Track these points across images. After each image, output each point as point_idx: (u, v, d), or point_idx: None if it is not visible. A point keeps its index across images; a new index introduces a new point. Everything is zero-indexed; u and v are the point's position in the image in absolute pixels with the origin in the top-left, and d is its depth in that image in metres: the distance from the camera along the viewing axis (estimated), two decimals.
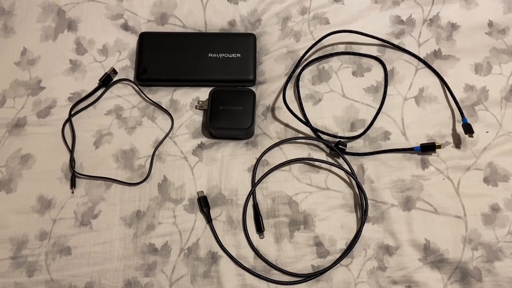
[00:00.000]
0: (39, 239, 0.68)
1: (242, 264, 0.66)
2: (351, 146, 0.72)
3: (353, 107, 0.74)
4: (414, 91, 0.74)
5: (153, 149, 0.72)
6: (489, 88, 0.74)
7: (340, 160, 0.71)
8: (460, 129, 0.72)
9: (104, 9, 0.81)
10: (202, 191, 0.70)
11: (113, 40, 0.79)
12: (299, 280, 0.65)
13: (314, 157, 0.71)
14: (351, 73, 0.76)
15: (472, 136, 0.70)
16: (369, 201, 0.68)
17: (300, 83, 0.76)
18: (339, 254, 0.66)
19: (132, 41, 0.79)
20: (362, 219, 0.67)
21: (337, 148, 0.70)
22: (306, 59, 0.77)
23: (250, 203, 0.69)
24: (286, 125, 0.74)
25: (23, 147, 0.72)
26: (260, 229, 0.67)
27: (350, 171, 0.69)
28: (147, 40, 0.77)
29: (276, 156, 0.72)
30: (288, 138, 0.72)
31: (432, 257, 0.65)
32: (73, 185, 0.70)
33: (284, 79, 0.76)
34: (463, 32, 0.78)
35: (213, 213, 0.69)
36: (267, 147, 0.72)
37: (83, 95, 0.75)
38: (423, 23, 0.79)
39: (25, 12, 0.81)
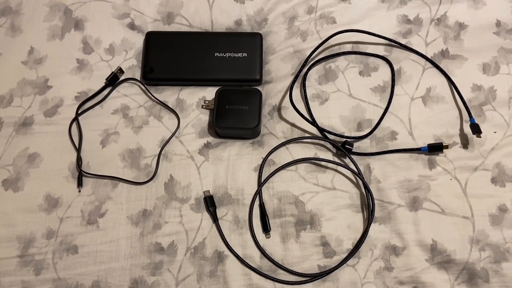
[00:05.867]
0: (46, 238, 0.68)
1: (248, 264, 0.66)
2: (358, 146, 0.72)
3: (360, 107, 0.74)
4: (422, 91, 0.74)
5: (160, 149, 0.72)
6: (497, 88, 0.74)
7: (347, 160, 0.71)
8: (467, 129, 0.71)
9: (111, 8, 0.81)
10: (209, 190, 0.70)
11: (119, 39, 0.79)
12: (305, 280, 0.65)
13: (320, 157, 0.71)
14: (358, 73, 0.76)
15: (480, 137, 0.69)
16: (375, 201, 0.68)
17: (307, 83, 0.75)
18: (346, 254, 0.66)
19: (138, 41, 0.79)
20: (369, 219, 0.67)
21: (343, 148, 0.70)
22: (312, 59, 0.77)
23: (257, 202, 0.69)
24: (293, 125, 0.74)
25: (30, 146, 0.73)
26: (266, 228, 0.67)
27: (356, 171, 0.69)
28: (154, 39, 0.77)
29: (283, 156, 0.72)
30: (295, 138, 0.72)
31: (439, 257, 0.65)
32: (80, 184, 0.70)
33: (291, 78, 0.76)
34: (470, 31, 0.77)
35: (219, 212, 0.69)
36: (274, 146, 0.72)
37: (90, 94, 0.76)
38: (431, 23, 0.78)
39: (32, 11, 0.81)
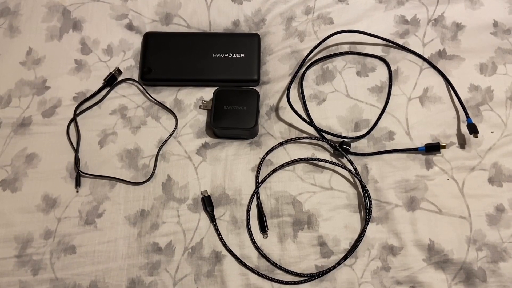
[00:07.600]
0: (44, 238, 0.68)
1: (245, 264, 0.66)
2: (355, 146, 0.72)
3: (357, 107, 0.74)
4: (419, 91, 0.74)
5: (157, 149, 0.72)
6: (494, 88, 0.74)
7: (344, 160, 0.71)
8: (464, 129, 0.71)
9: (109, 9, 0.81)
10: (206, 190, 0.70)
11: (117, 40, 0.79)
12: (302, 280, 0.65)
13: (318, 157, 0.71)
14: (355, 73, 0.76)
15: (477, 137, 0.69)
16: (373, 201, 0.68)
17: (304, 83, 0.76)
18: (343, 254, 0.66)
19: (136, 41, 0.79)
20: (366, 219, 0.67)
21: (341, 148, 0.70)
22: (310, 59, 0.77)
23: (254, 202, 0.69)
24: (290, 125, 0.74)
25: (28, 146, 0.73)
26: (263, 228, 0.68)
27: (354, 171, 0.69)
28: (152, 40, 0.77)
29: (280, 156, 0.72)
30: (292, 138, 0.72)
31: (437, 257, 0.65)
32: (77, 184, 0.70)
33: (288, 79, 0.76)
34: (468, 32, 0.77)
35: (217, 212, 0.69)
36: (271, 147, 0.72)
37: (88, 94, 0.76)
38: (428, 23, 0.78)
39: (31, 12, 0.81)
